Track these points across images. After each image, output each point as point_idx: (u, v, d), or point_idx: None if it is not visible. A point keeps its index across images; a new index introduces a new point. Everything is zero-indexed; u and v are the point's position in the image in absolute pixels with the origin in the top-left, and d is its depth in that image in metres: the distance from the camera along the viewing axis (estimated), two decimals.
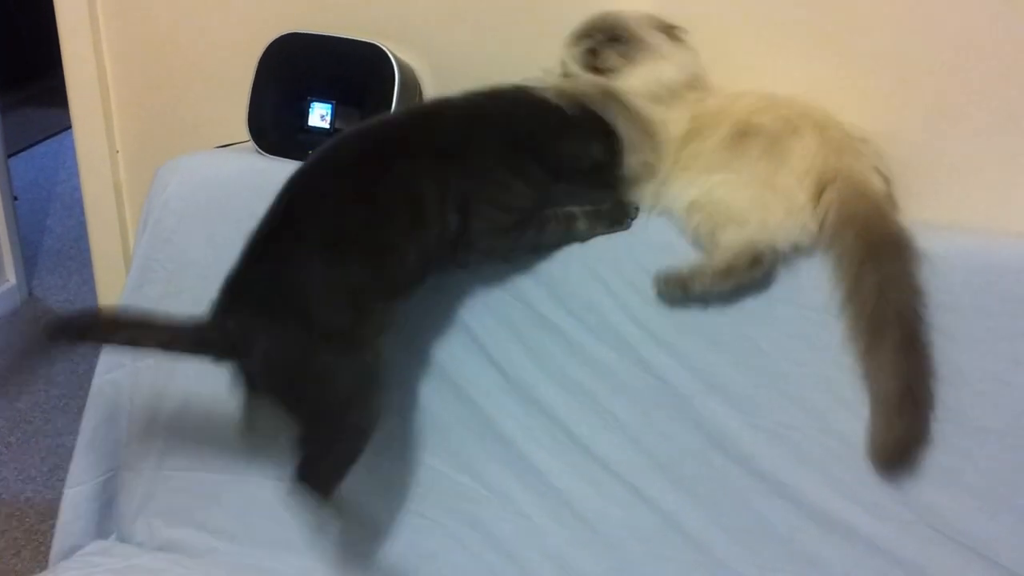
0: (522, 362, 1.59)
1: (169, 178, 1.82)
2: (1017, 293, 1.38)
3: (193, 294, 1.71)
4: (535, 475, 1.56)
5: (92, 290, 2.41)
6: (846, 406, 1.41)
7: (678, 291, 1.47)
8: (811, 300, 1.44)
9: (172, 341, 1.45)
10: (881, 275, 1.36)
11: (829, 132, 1.44)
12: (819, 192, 1.41)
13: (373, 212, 1.42)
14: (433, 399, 1.63)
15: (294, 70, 1.81)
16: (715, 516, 1.47)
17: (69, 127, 2.21)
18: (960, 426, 1.37)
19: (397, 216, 1.43)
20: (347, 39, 1.77)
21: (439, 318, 1.62)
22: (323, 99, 1.80)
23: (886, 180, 1.44)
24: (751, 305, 1.47)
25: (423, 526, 1.61)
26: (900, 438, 1.36)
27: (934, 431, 1.37)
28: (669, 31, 1.59)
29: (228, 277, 1.43)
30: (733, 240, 1.43)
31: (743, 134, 1.45)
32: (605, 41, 1.58)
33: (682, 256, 1.49)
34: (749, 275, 1.43)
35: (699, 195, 1.47)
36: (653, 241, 1.53)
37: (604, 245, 1.55)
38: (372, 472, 1.55)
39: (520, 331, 1.59)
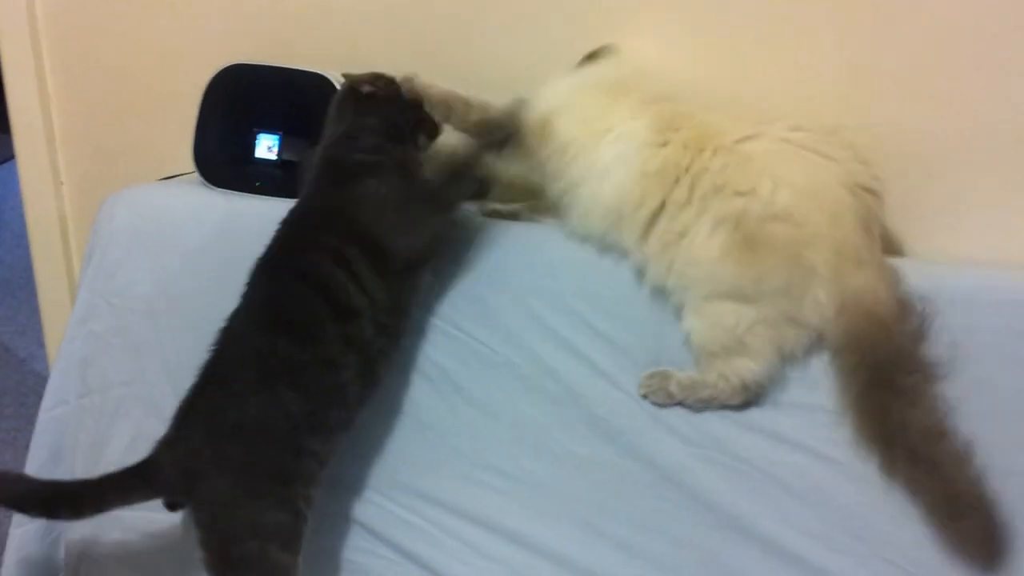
0: (473, 397, 1.58)
1: (114, 211, 1.79)
2: None
3: (138, 330, 1.73)
4: (484, 516, 1.55)
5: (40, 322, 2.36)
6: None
7: (661, 393, 1.46)
8: None
9: (121, 496, 1.42)
10: (887, 393, 1.31)
11: (844, 237, 1.33)
12: (836, 314, 1.34)
13: (296, 334, 1.42)
14: (388, 433, 1.61)
15: (240, 101, 1.79)
16: (670, 548, 1.46)
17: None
18: None
19: (320, 320, 1.43)
20: (293, 69, 1.75)
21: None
22: (270, 130, 1.79)
23: (895, 288, 1.35)
24: None
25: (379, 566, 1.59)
26: (972, 539, 1.29)
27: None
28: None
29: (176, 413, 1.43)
30: (740, 371, 1.40)
31: (752, 244, 1.33)
32: None
33: (627, 294, 1.50)
34: (731, 401, 1.42)
35: (706, 326, 1.41)
36: (601, 280, 1.54)
37: (551, 276, 1.56)
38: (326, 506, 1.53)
39: (469, 367, 1.58)
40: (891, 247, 1.47)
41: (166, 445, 1.40)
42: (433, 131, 1.59)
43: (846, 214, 1.33)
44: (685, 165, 1.40)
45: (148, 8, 2.01)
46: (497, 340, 1.57)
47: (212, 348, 1.45)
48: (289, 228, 1.51)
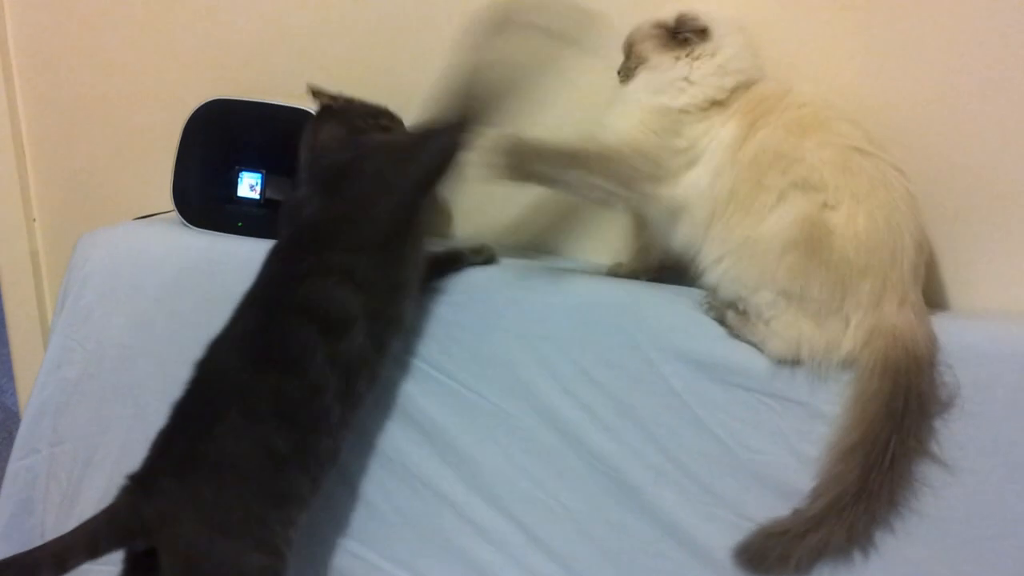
0: (464, 448, 1.52)
1: (89, 252, 1.74)
2: None
3: (113, 377, 1.68)
4: (474, 570, 1.49)
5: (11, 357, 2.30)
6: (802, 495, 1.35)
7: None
8: (769, 387, 1.38)
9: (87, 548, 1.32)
10: (898, 430, 1.28)
11: (896, 277, 1.32)
12: (866, 340, 1.33)
13: (287, 366, 1.37)
14: (372, 487, 1.56)
15: (221, 138, 1.73)
16: None
17: None
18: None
19: (311, 347, 1.37)
20: (276, 105, 1.69)
21: (381, 406, 1.55)
22: (252, 168, 1.73)
23: (930, 333, 1.33)
24: (703, 387, 1.41)
25: None
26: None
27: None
28: (676, 35, 1.46)
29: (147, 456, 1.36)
30: (764, 338, 1.38)
31: (813, 251, 1.32)
32: (625, 62, 1.53)
33: (632, 336, 1.45)
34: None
35: (759, 302, 1.37)
36: (600, 322, 1.48)
37: (546, 323, 1.50)
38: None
39: (461, 416, 1.53)
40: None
41: (136, 485, 1.33)
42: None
43: (905, 259, 1.33)
44: (783, 150, 1.37)
45: (125, 40, 1.96)
46: (489, 388, 1.52)
47: (189, 382, 1.39)
48: (278, 252, 1.47)
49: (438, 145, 1.45)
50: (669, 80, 1.44)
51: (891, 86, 1.49)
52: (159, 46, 1.94)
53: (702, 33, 1.44)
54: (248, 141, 1.73)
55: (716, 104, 1.43)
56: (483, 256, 1.61)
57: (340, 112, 1.56)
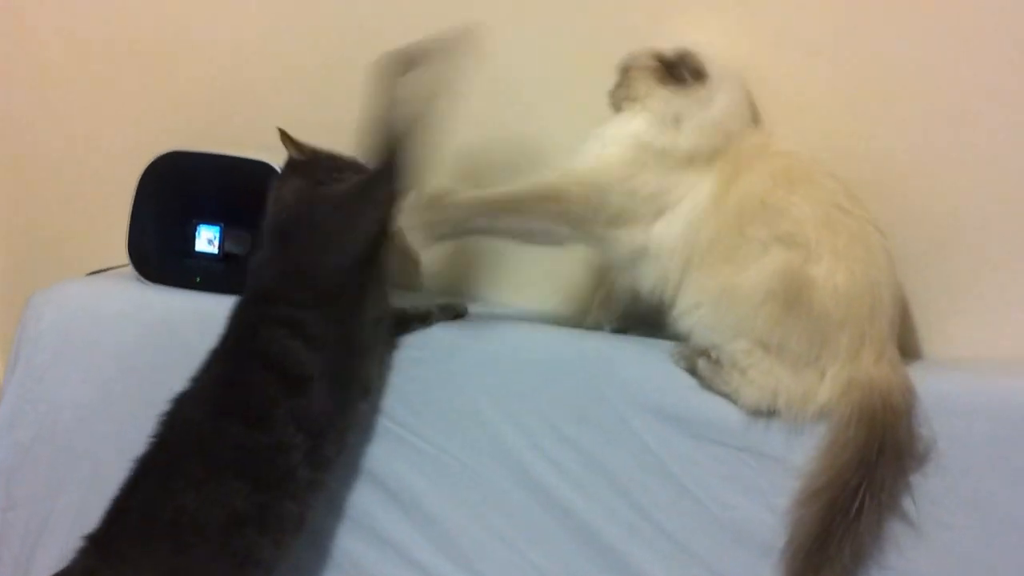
0: (431, 508, 1.49)
1: (42, 309, 1.69)
2: None
3: (68, 438, 1.63)
4: None
5: None
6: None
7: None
8: (743, 441, 1.36)
9: None
10: (869, 479, 1.26)
11: (874, 332, 1.32)
12: (843, 391, 1.31)
13: (248, 417, 1.35)
14: (338, 550, 1.52)
15: (178, 190, 1.69)
16: None
17: None
18: None
19: (274, 399, 1.35)
20: (234, 157, 1.66)
21: (345, 464, 1.50)
22: (211, 221, 1.69)
23: (907, 386, 1.32)
24: (676, 441, 1.39)
25: None
26: None
27: None
28: (672, 71, 1.43)
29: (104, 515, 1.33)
30: (738, 387, 1.36)
31: (793, 303, 1.31)
32: (618, 86, 1.50)
33: (602, 390, 1.43)
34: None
35: (736, 350, 1.36)
36: (569, 377, 1.46)
37: (517, 381, 1.48)
38: None
39: (427, 475, 1.49)
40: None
41: (92, 546, 1.30)
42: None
43: (883, 313, 1.34)
44: (770, 201, 1.35)
45: (76, 90, 1.93)
46: (456, 446, 1.49)
47: (151, 438, 1.37)
48: (241, 309, 1.45)
49: (373, 194, 1.43)
50: (658, 116, 1.42)
51: (862, 134, 1.49)
52: (112, 97, 1.90)
53: (699, 75, 1.42)
54: (205, 193, 1.69)
55: (698, 158, 1.41)
56: (452, 312, 1.59)
57: (304, 165, 1.53)
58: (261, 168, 1.63)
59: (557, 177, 1.43)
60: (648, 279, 1.44)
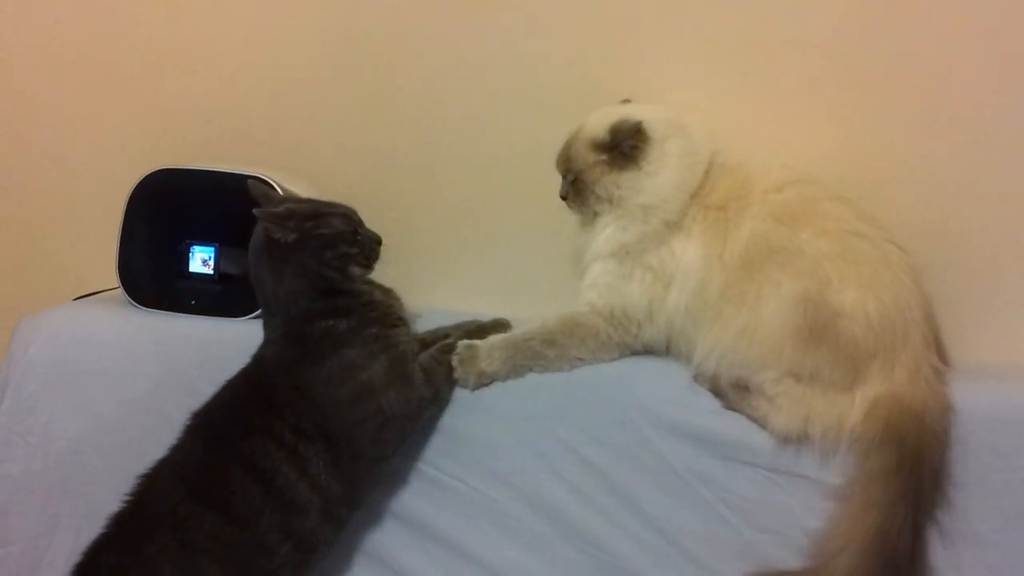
0: (446, 538, 1.44)
1: (30, 337, 1.63)
2: None
3: (61, 472, 1.58)
4: None
5: None
6: None
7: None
8: (774, 462, 1.33)
9: None
10: (898, 491, 1.24)
11: (907, 356, 1.30)
12: (869, 411, 1.29)
13: (227, 513, 1.29)
14: None
15: (169, 209, 1.63)
16: None
17: None
18: None
19: (257, 509, 1.29)
20: (229, 173, 1.59)
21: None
22: (205, 241, 1.62)
23: (944, 401, 1.30)
24: (703, 463, 1.35)
25: None
26: None
27: None
28: (615, 149, 1.42)
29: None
30: (767, 413, 1.33)
31: (820, 334, 1.29)
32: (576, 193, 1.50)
33: (623, 411, 1.39)
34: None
35: (764, 380, 1.33)
36: (587, 398, 1.42)
37: (529, 401, 1.43)
38: None
39: (441, 504, 1.45)
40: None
41: None
42: (366, 260, 1.43)
43: (916, 333, 1.32)
44: (778, 244, 1.34)
45: (63, 106, 1.88)
46: (469, 473, 1.46)
47: (127, 498, 1.32)
48: (240, 389, 1.37)
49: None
50: (628, 211, 1.43)
51: (874, 151, 1.51)
52: (99, 112, 1.86)
53: (640, 135, 1.40)
54: (199, 212, 1.63)
55: (669, 225, 1.41)
56: (472, 328, 1.53)
57: (297, 253, 1.39)
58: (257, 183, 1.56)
59: (577, 313, 1.46)
60: (666, 341, 1.45)
